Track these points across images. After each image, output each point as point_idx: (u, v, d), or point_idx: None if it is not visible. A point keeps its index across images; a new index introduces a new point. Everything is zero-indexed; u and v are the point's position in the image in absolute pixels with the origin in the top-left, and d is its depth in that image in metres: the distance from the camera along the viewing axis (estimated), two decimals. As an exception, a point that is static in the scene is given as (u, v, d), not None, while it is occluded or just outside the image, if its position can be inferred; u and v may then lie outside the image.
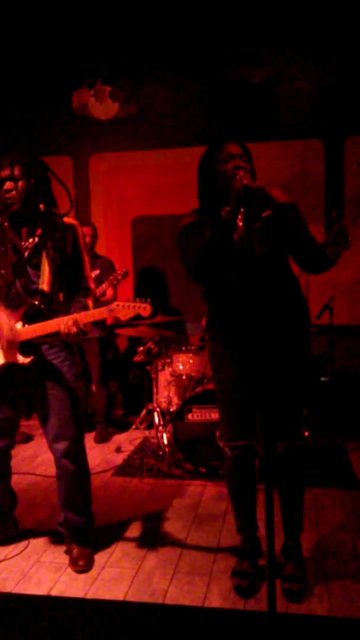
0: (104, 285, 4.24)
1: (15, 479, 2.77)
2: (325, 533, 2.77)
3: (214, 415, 3.51)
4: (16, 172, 2.29)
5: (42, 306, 2.35)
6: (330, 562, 2.50)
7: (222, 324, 2.32)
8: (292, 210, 2.22)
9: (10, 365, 2.34)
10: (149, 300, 2.28)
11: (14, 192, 2.30)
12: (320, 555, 2.56)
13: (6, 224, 2.36)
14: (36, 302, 2.35)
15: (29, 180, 2.31)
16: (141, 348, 4.02)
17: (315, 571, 2.42)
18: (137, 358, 4.03)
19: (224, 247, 2.12)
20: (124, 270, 4.24)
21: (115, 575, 2.44)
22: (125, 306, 2.26)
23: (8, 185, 2.29)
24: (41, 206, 2.36)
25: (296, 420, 2.31)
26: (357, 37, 4.51)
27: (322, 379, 4.31)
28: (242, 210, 2.03)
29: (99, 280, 4.28)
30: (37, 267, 2.37)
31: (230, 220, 2.06)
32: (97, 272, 4.37)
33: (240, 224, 2.10)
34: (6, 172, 2.29)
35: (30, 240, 2.37)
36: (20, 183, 2.30)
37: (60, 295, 2.40)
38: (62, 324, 2.25)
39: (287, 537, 2.40)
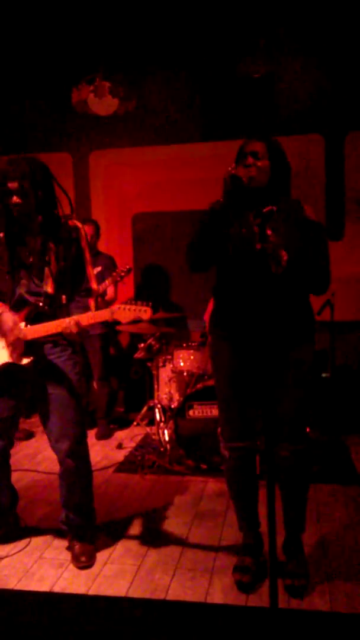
0: (106, 282, 4.23)
1: (16, 476, 2.78)
2: (327, 529, 2.77)
3: (215, 412, 3.51)
4: (25, 186, 2.26)
5: (46, 308, 2.35)
6: (332, 558, 2.50)
7: (224, 319, 2.32)
8: (313, 227, 2.20)
9: (10, 365, 2.34)
10: (150, 303, 2.29)
11: (22, 207, 2.27)
12: (322, 551, 2.56)
13: (10, 232, 2.35)
14: (40, 304, 2.35)
15: (37, 193, 2.29)
16: (142, 345, 4.02)
17: (316, 567, 2.42)
18: (138, 355, 4.03)
19: (214, 238, 2.15)
20: (127, 267, 4.22)
21: (117, 572, 2.45)
22: (127, 309, 2.27)
23: (16, 199, 2.27)
24: (46, 216, 2.34)
25: (302, 424, 2.29)
26: (357, 32, 4.49)
27: (323, 375, 4.30)
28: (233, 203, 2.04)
29: (101, 277, 4.28)
30: (42, 270, 2.37)
31: (218, 210, 2.08)
32: (98, 269, 4.36)
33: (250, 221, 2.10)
34: (14, 185, 2.26)
35: (34, 245, 2.37)
36: (29, 197, 2.27)
37: (63, 297, 2.40)
38: (64, 325, 2.26)
39: (288, 535, 2.40)
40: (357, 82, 4.61)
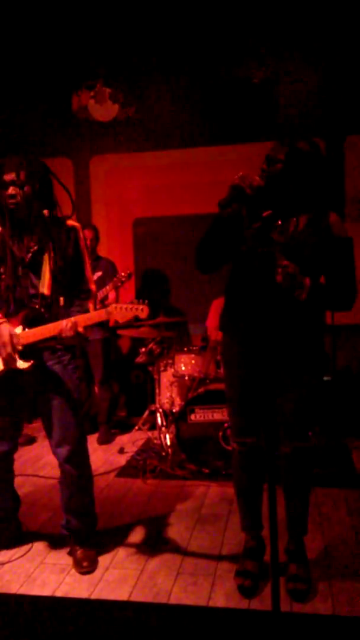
0: (107, 287, 4.23)
1: (18, 481, 2.77)
2: (329, 532, 2.76)
3: (217, 416, 3.51)
4: (21, 177, 2.26)
5: (43, 310, 2.34)
6: (334, 561, 2.50)
7: (235, 319, 2.33)
8: (338, 242, 2.17)
9: (10, 371, 2.33)
10: (146, 301, 2.29)
11: (18, 198, 2.27)
12: (324, 555, 2.56)
13: (7, 228, 2.35)
14: (36, 306, 2.35)
15: (33, 185, 2.29)
16: (143, 349, 4.02)
17: (319, 571, 2.42)
18: (139, 359, 4.04)
19: (222, 240, 2.14)
20: (128, 272, 4.23)
21: (119, 576, 2.44)
22: (123, 308, 2.27)
23: (12, 190, 2.26)
24: (45, 211, 2.34)
25: (305, 423, 2.30)
26: (356, 36, 4.51)
27: (325, 378, 4.30)
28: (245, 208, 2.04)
29: (102, 283, 4.28)
30: (38, 271, 2.36)
31: (225, 217, 2.08)
32: (99, 274, 4.37)
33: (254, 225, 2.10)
34: (10, 177, 2.26)
35: (32, 243, 2.37)
36: (25, 188, 2.27)
37: (61, 299, 2.40)
38: (60, 327, 2.25)
39: (290, 538, 2.40)
40: (356, 86, 4.63)
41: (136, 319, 2.31)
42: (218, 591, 2.30)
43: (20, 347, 2.28)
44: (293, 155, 2.09)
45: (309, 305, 2.16)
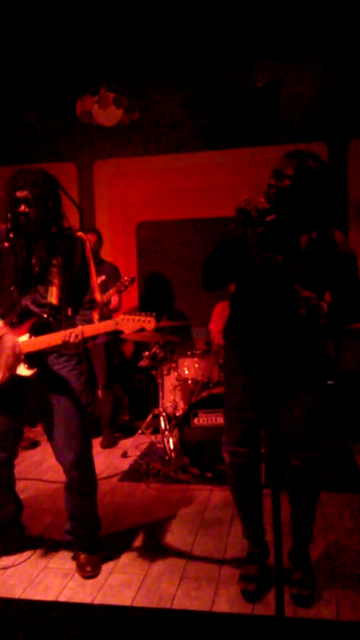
0: (110, 292, 4.24)
1: (21, 485, 2.78)
2: (333, 537, 2.76)
3: (220, 420, 3.49)
4: (34, 195, 2.27)
5: (50, 319, 2.36)
6: (338, 567, 2.49)
7: (238, 329, 2.33)
8: (344, 260, 2.17)
9: (14, 377, 2.34)
10: (154, 313, 2.30)
11: (30, 216, 2.29)
12: (328, 560, 2.55)
13: (17, 241, 2.36)
14: (44, 315, 2.36)
15: (45, 203, 2.30)
16: (146, 353, 4.02)
17: (322, 576, 2.41)
18: (143, 363, 4.04)
19: (228, 260, 2.14)
20: (131, 277, 4.24)
21: (123, 581, 2.44)
22: (130, 319, 2.28)
23: (24, 208, 2.28)
24: (53, 228, 2.36)
25: (315, 432, 2.27)
26: (358, 40, 4.52)
27: (328, 382, 4.29)
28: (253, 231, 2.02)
29: (105, 286, 4.29)
30: (47, 282, 2.38)
31: (231, 239, 2.07)
32: (102, 277, 4.37)
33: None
34: (23, 194, 2.27)
35: (41, 255, 2.37)
36: (36, 207, 2.29)
37: (69, 309, 2.41)
38: (66, 337, 2.26)
39: (295, 544, 2.39)
40: (359, 90, 4.63)
41: (142, 330, 2.32)
42: (221, 596, 2.30)
43: (22, 357, 2.29)
44: (303, 173, 2.07)
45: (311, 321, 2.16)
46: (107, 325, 2.32)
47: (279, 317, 1.86)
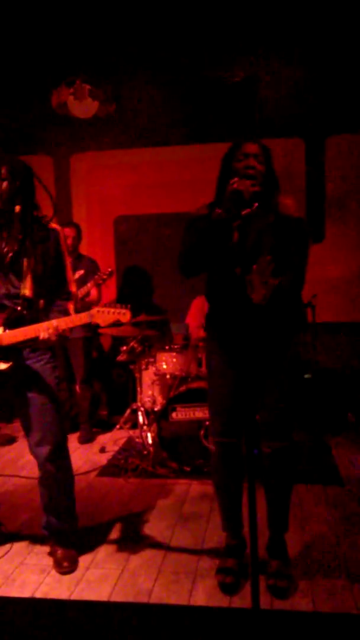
0: (88, 285, 4.21)
1: (-3, 481, 2.74)
2: (309, 529, 2.78)
3: (198, 414, 3.51)
4: (3, 171, 2.26)
5: (25, 312, 2.33)
6: (314, 558, 2.52)
7: (218, 322, 2.34)
8: (294, 224, 2.21)
9: None
10: (129, 305, 2.29)
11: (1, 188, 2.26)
12: (305, 551, 2.57)
13: None
14: (18, 308, 2.32)
15: (14, 181, 2.28)
16: (124, 348, 4.01)
17: (299, 567, 2.43)
18: (121, 357, 4.02)
19: (211, 246, 2.13)
20: (109, 270, 4.22)
21: (100, 576, 2.43)
22: (105, 312, 2.26)
23: None
24: (17, 207, 2.32)
25: (285, 422, 2.31)
26: (336, 36, 4.54)
27: (305, 376, 4.34)
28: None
29: (84, 280, 4.26)
30: (19, 273, 2.34)
31: (218, 221, 2.07)
32: (81, 272, 4.34)
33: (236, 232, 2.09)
34: None
35: (12, 243, 2.34)
36: (4, 183, 2.27)
37: (41, 301, 2.38)
38: (42, 330, 2.23)
39: (272, 535, 2.41)
40: (337, 87, 4.67)
41: (118, 322, 2.30)
42: (199, 589, 2.31)
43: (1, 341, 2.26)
44: (266, 150, 2.20)
45: (285, 306, 2.18)
46: (82, 318, 2.29)
47: (253, 308, 1.87)
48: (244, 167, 2.13)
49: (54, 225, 2.44)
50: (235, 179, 2.01)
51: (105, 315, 2.26)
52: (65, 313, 2.40)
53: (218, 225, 2.09)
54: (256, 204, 1.94)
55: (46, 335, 2.23)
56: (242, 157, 2.17)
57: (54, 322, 2.25)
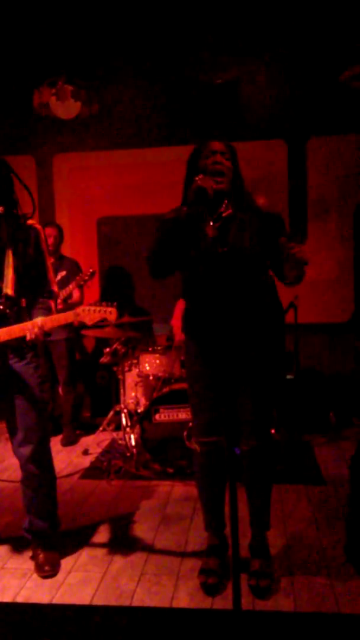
0: (70, 286, 4.19)
1: (-22, 485, 2.71)
2: (291, 528, 2.80)
3: (182, 415, 3.51)
4: None
5: (7, 311, 2.30)
6: (296, 557, 2.53)
7: (195, 321, 2.34)
8: (273, 220, 2.23)
9: None
10: (115, 304, 2.28)
11: None
12: (286, 551, 2.59)
13: None
14: (0, 307, 2.30)
15: None
16: (108, 349, 3.99)
17: (281, 566, 2.45)
18: (104, 359, 4.00)
19: (178, 246, 2.15)
20: (91, 270, 4.20)
21: (82, 579, 2.42)
22: (91, 310, 2.25)
23: None
24: (0, 208, 2.30)
25: (264, 421, 2.32)
26: (318, 39, 4.58)
27: (288, 376, 4.36)
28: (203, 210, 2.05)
29: (66, 282, 4.24)
30: (1, 271, 2.32)
31: (184, 219, 2.09)
32: (63, 273, 4.32)
33: (210, 224, 2.11)
34: None
35: None
36: None
37: (23, 300, 2.36)
38: (27, 330, 2.21)
39: (254, 535, 2.42)
40: (318, 89, 4.70)
41: (104, 320, 2.29)
42: (181, 590, 2.31)
43: None
44: (232, 149, 2.23)
45: (266, 303, 2.19)
46: (68, 317, 2.28)
47: (233, 305, 1.88)
48: (211, 163, 2.14)
49: (32, 222, 2.42)
50: (200, 175, 2.02)
51: (91, 313, 2.25)
52: (49, 311, 2.39)
53: (185, 223, 2.10)
54: (226, 201, 1.96)
55: (33, 336, 2.21)
56: (208, 154, 2.18)
57: (38, 322, 2.23)
